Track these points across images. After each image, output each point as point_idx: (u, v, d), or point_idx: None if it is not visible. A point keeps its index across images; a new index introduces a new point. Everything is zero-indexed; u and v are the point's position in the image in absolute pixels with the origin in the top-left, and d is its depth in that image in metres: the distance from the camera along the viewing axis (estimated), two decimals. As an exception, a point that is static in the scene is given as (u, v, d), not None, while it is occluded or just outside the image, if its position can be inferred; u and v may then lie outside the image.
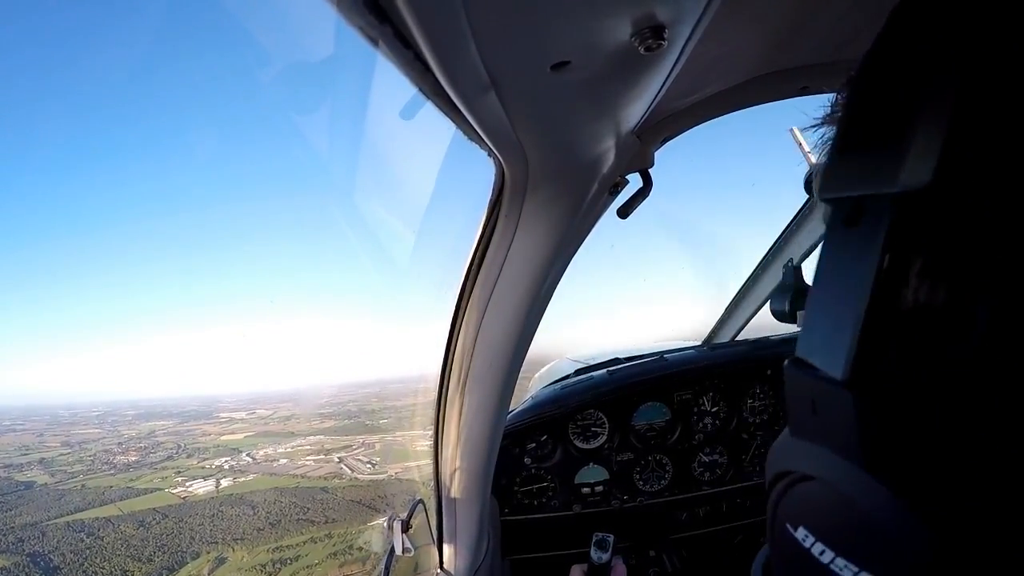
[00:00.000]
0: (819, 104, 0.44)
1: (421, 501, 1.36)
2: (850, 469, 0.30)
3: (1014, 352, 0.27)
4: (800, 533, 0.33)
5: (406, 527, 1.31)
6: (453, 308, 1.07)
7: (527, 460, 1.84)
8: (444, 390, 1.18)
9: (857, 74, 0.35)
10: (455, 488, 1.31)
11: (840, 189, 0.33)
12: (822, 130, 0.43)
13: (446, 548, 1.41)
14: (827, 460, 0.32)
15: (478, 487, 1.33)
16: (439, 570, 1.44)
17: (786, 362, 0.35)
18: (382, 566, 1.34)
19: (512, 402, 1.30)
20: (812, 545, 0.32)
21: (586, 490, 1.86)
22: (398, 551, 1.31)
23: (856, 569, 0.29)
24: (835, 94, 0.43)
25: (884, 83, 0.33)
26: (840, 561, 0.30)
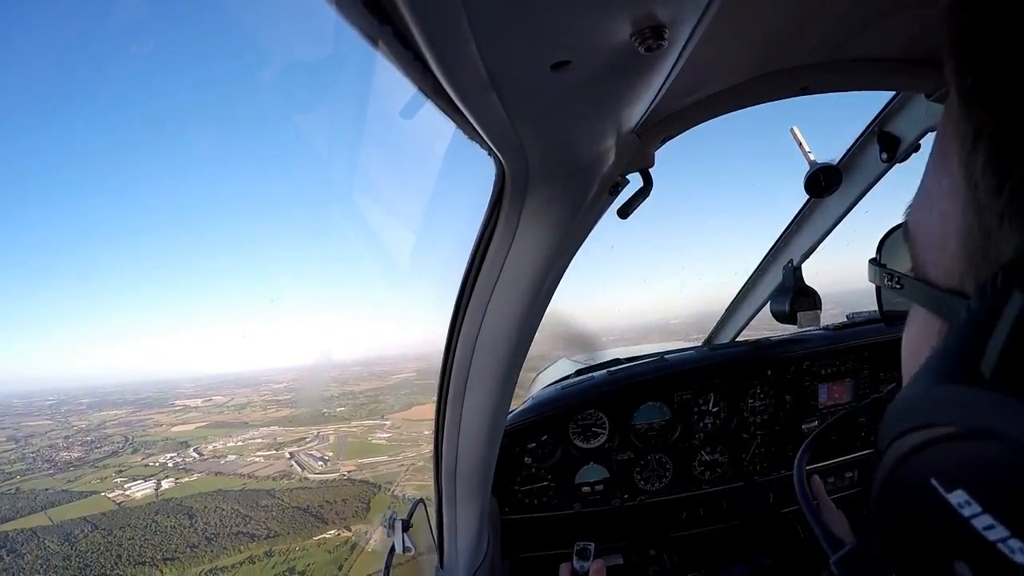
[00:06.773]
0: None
1: (422, 500, 1.37)
2: None
3: None
4: (957, 497, 0.25)
5: (406, 526, 1.31)
6: (453, 308, 1.08)
7: (527, 460, 1.84)
8: (445, 390, 1.18)
9: None
10: (455, 488, 1.31)
11: None
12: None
13: (446, 547, 1.42)
14: None
15: (478, 487, 1.33)
16: (439, 569, 1.44)
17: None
18: (382, 565, 1.34)
19: (512, 402, 1.30)
20: (975, 515, 0.24)
21: (586, 489, 1.86)
22: (398, 550, 1.32)
23: None
24: None
25: None
26: (1017, 544, 0.23)
